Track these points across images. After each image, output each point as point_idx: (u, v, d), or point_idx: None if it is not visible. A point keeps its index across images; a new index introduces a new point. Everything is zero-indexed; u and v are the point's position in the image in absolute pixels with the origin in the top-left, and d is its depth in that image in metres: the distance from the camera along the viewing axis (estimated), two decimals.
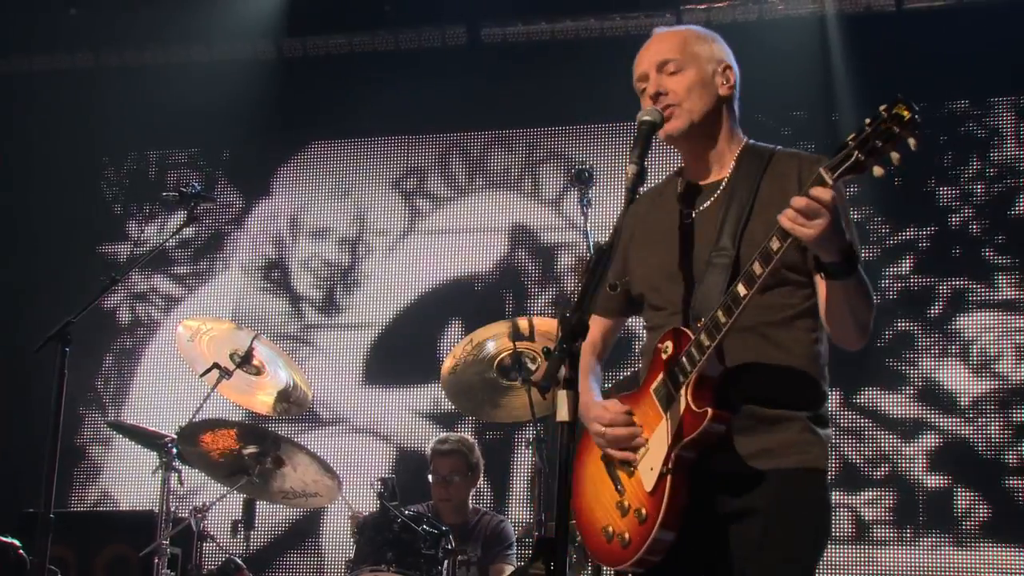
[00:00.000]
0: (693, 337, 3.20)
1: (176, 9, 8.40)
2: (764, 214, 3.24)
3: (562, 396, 2.87)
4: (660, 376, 3.27)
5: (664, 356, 3.27)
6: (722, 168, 3.42)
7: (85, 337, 8.63)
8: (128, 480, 8.48)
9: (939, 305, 7.64)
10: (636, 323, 3.65)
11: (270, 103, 8.60)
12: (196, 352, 5.92)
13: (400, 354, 8.37)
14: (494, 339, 5.87)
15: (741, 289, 3.10)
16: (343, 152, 8.84)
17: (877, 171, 2.87)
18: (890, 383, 7.61)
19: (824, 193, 2.93)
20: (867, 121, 2.88)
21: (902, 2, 7.98)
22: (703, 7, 8.18)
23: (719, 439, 3.18)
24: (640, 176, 3.19)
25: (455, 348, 5.96)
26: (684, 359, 3.20)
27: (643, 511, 3.25)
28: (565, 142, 8.40)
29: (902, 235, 7.76)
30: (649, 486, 3.24)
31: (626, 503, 3.31)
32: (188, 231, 8.48)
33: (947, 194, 7.71)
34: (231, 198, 8.92)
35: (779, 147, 3.43)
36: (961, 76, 7.64)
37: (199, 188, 5.71)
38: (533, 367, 5.80)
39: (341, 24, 8.68)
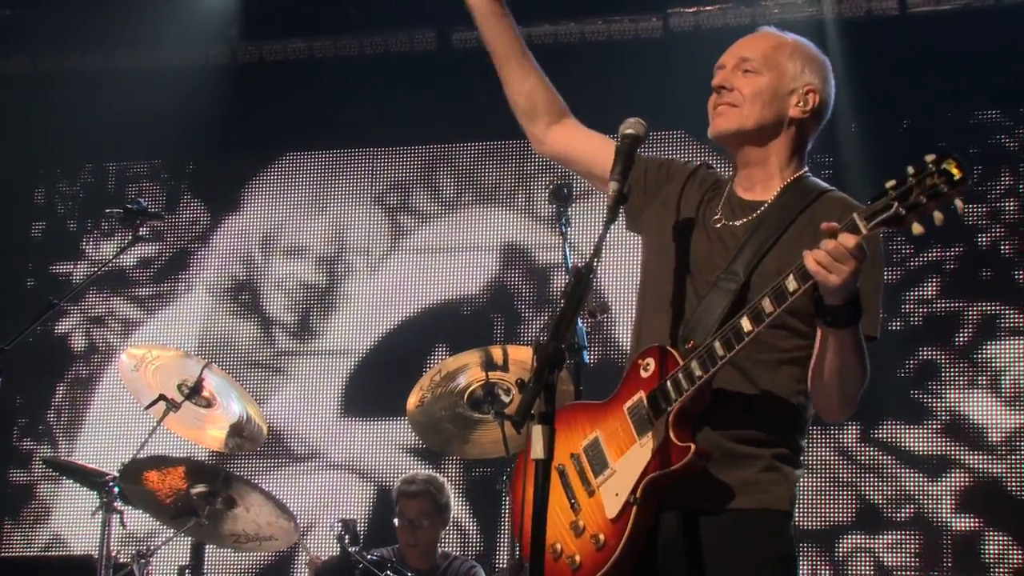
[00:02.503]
0: (682, 362, 3.19)
1: (120, 11, 8.36)
2: (785, 250, 3.25)
3: (537, 431, 2.87)
4: (638, 396, 3.27)
5: (644, 374, 3.27)
6: (767, 190, 3.41)
7: (34, 366, 8.70)
8: (79, 522, 8.34)
9: (967, 332, 7.55)
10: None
11: (232, 112, 8.56)
12: (141, 383, 5.87)
13: (381, 384, 8.27)
14: (465, 369, 5.81)
15: (746, 324, 3.11)
16: (318, 164, 8.81)
17: (917, 229, 2.85)
18: (914, 416, 7.52)
19: (851, 240, 2.92)
20: (910, 171, 2.85)
21: (906, 5, 7.94)
22: (692, 10, 8.16)
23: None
24: (622, 194, 3.19)
25: (422, 379, 5.89)
26: (670, 385, 3.20)
27: (601, 537, 3.26)
28: None
29: (926, 256, 7.66)
30: (612, 512, 3.25)
31: (581, 524, 3.31)
32: (150, 249, 8.49)
33: (975, 211, 7.59)
34: (196, 213, 8.88)
35: (833, 189, 3.41)
36: (987, 84, 7.60)
37: (144, 205, 5.70)
38: (507, 399, 5.74)
39: (300, 27, 8.66)
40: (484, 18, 3.75)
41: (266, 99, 8.70)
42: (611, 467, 3.29)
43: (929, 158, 2.84)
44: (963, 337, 7.55)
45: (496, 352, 5.73)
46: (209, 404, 5.95)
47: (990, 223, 7.60)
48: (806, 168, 3.47)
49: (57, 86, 8.84)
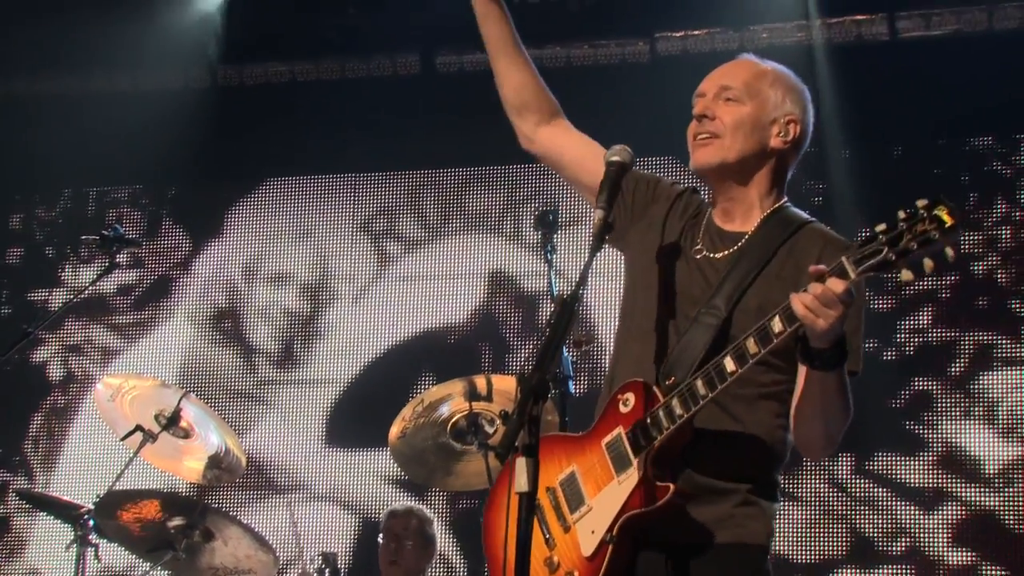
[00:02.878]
0: (662, 400, 3.19)
1: (97, 33, 8.29)
2: (766, 286, 3.29)
3: (521, 464, 2.86)
4: (617, 432, 3.26)
5: (623, 409, 3.26)
6: (747, 221, 3.42)
7: (10, 395, 8.65)
8: (55, 556, 8.26)
9: (962, 361, 7.52)
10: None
11: (214, 136, 8.55)
12: (118, 413, 5.85)
13: (365, 413, 8.22)
14: (448, 399, 5.81)
15: (729, 364, 3.11)
16: (302, 190, 8.79)
17: (906, 275, 2.86)
18: (908, 448, 7.48)
19: (840, 286, 2.92)
20: (901, 215, 2.85)
21: (897, 31, 7.95)
22: (679, 35, 8.16)
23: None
24: (608, 222, 3.20)
25: (404, 409, 5.89)
26: (649, 422, 3.19)
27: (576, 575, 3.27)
28: (545, 181, 8.27)
29: (920, 284, 7.55)
30: (588, 550, 3.24)
31: (556, 560, 3.31)
32: (130, 277, 8.45)
33: (970, 239, 7.57)
34: (177, 240, 8.85)
35: (814, 220, 3.43)
36: (980, 110, 7.58)
37: (122, 231, 5.69)
38: (491, 430, 5.75)
39: (281, 51, 8.67)
40: (480, 7, 3.78)
41: (248, 123, 8.67)
42: (588, 503, 3.28)
43: (920, 203, 2.83)
44: (958, 367, 7.51)
45: (480, 382, 5.72)
46: (187, 435, 5.93)
47: (985, 251, 7.58)
48: (786, 198, 3.48)
49: (34, 109, 8.81)
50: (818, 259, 3.18)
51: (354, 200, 8.67)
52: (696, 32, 8.12)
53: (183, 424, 5.89)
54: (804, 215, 3.45)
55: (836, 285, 2.92)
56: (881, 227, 2.88)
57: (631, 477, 3.20)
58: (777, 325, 3.04)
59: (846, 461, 7.45)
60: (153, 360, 8.61)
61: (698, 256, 3.40)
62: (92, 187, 8.99)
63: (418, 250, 8.50)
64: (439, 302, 8.36)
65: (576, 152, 3.66)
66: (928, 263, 2.83)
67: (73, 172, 8.81)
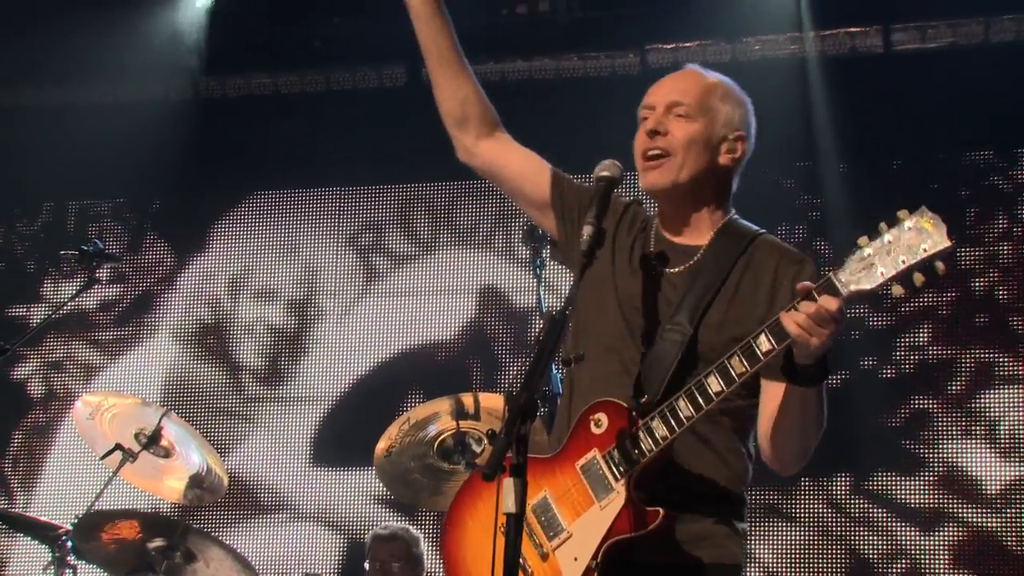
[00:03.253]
0: (641, 421, 3.18)
1: (76, 44, 8.29)
2: (728, 302, 3.32)
3: (508, 484, 2.85)
4: (592, 455, 3.24)
5: (596, 430, 3.25)
6: (698, 235, 3.45)
7: None
8: None
9: (962, 379, 7.51)
10: None
11: (197, 149, 8.54)
12: (97, 431, 5.85)
13: (353, 431, 8.18)
14: (435, 418, 5.78)
15: (714, 384, 3.12)
16: (288, 204, 8.78)
17: (897, 290, 2.93)
18: (907, 467, 7.46)
19: (834, 304, 2.96)
20: (883, 229, 2.92)
21: (891, 43, 7.99)
22: (670, 47, 8.16)
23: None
24: (598, 238, 3.20)
25: (390, 428, 5.84)
26: (629, 444, 3.19)
27: None
28: None
29: (919, 301, 7.61)
30: None
31: None
32: (112, 292, 8.42)
33: (970, 255, 7.61)
34: (161, 254, 8.83)
35: (764, 232, 3.48)
36: (978, 124, 7.59)
37: (101, 246, 5.68)
38: (478, 449, 5.70)
39: (264, 62, 8.68)
40: (419, 17, 3.72)
41: (231, 136, 8.68)
42: (566, 530, 3.25)
43: (901, 215, 2.90)
44: (957, 385, 7.51)
45: (467, 400, 5.69)
46: (168, 454, 5.92)
47: (985, 267, 7.58)
48: (733, 211, 3.53)
49: (13, 121, 8.80)
50: (775, 272, 3.32)
51: (341, 214, 8.66)
52: (687, 44, 8.14)
53: (164, 443, 5.89)
54: (754, 227, 3.49)
55: (830, 303, 2.95)
56: (864, 240, 2.93)
57: (615, 501, 3.19)
58: (764, 344, 3.06)
59: (844, 481, 7.44)
60: (136, 377, 8.61)
61: (652, 271, 3.42)
62: (73, 200, 8.99)
63: (406, 265, 8.49)
64: (428, 318, 8.34)
65: (520, 166, 3.67)
66: (919, 276, 2.88)
67: (54, 185, 8.83)
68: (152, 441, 5.81)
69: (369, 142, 8.31)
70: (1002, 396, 7.43)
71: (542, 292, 5.53)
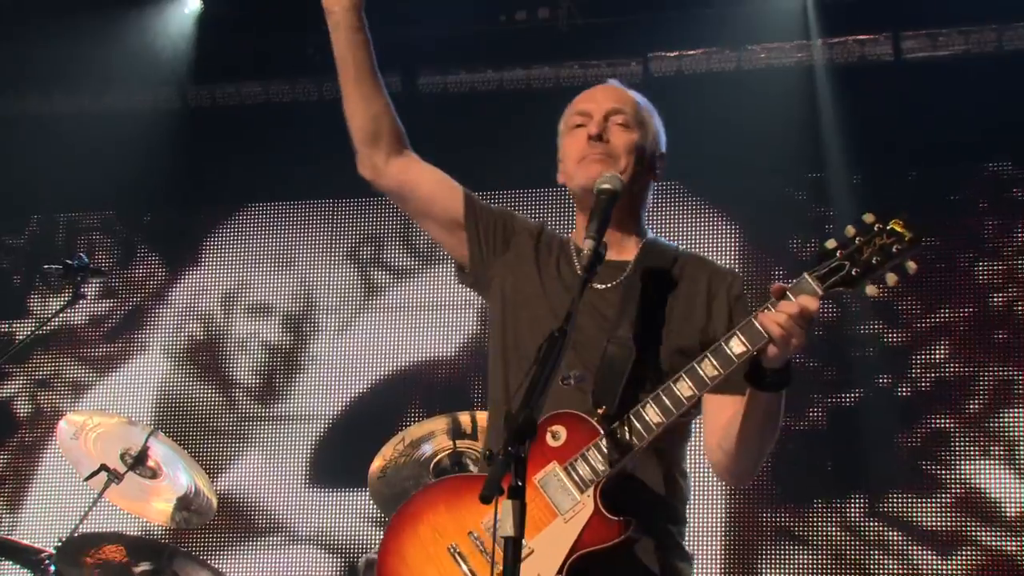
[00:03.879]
0: (602, 430, 3.23)
1: (62, 52, 8.31)
2: (667, 315, 3.45)
3: (507, 507, 2.83)
4: (551, 467, 3.28)
5: (554, 443, 3.28)
6: (623, 250, 3.57)
7: None
8: None
9: (980, 398, 7.48)
10: None
11: (189, 160, 8.58)
12: (81, 452, 5.85)
13: (351, 451, 8.11)
14: (431, 437, 5.79)
15: (685, 390, 3.22)
16: (284, 216, 8.78)
17: (871, 291, 3.08)
18: (923, 489, 7.43)
19: (814, 303, 3.09)
20: (851, 231, 3.10)
21: (901, 51, 7.98)
22: (674, 55, 8.18)
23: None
24: (598, 253, 3.22)
25: (384, 448, 5.84)
26: (594, 454, 3.24)
27: None
28: (540, 206, 8.28)
29: (936, 317, 7.62)
30: None
31: None
32: (102, 307, 8.41)
33: (988, 269, 7.61)
34: (152, 268, 8.83)
35: (686, 248, 3.64)
36: (993, 134, 7.59)
37: (86, 261, 5.68)
38: (475, 469, 5.60)
39: (255, 70, 8.68)
40: (339, 27, 3.73)
41: (223, 146, 8.69)
42: (527, 545, 3.21)
43: (869, 218, 3.09)
44: (976, 403, 7.48)
45: (464, 419, 5.71)
46: (155, 475, 5.92)
47: (1004, 282, 7.56)
48: (651, 229, 3.68)
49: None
50: (708, 284, 3.48)
51: (339, 227, 8.64)
52: (691, 52, 8.15)
53: (150, 463, 5.89)
54: (670, 243, 3.64)
55: (810, 302, 3.08)
56: (832, 243, 3.11)
57: (581, 513, 3.23)
58: (738, 346, 3.17)
59: (858, 503, 7.41)
60: (126, 395, 8.59)
61: (589, 288, 3.41)
62: (62, 213, 8.99)
63: (407, 279, 8.47)
64: (428, 334, 8.32)
65: (432, 186, 3.70)
66: (892, 277, 3.05)
67: (42, 197, 8.84)
68: (138, 462, 5.81)
69: None
70: (1022, 415, 7.41)
71: None
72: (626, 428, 3.23)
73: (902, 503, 7.43)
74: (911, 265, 3.04)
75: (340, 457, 8.27)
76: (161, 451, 5.92)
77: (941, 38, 7.92)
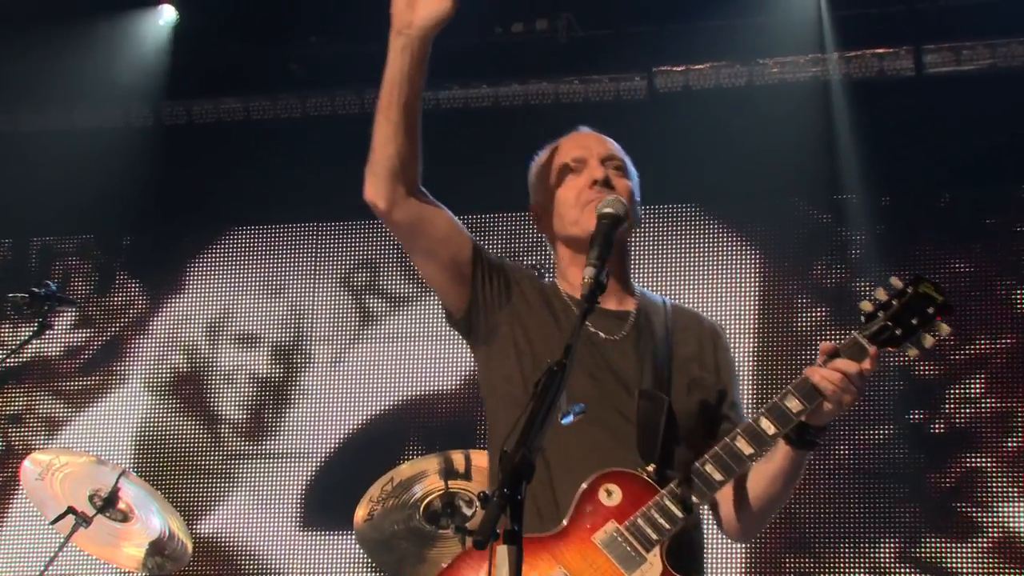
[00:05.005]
0: (665, 489, 3.40)
1: (28, 68, 8.38)
2: (683, 365, 3.67)
3: (503, 553, 2.82)
4: (611, 526, 3.40)
5: (609, 502, 3.41)
6: (621, 301, 3.74)
7: None
8: None
9: (1019, 435, 7.49)
10: None
11: (167, 180, 8.62)
12: (47, 493, 5.84)
13: (345, 492, 7.95)
14: (421, 478, 5.80)
15: (745, 447, 3.41)
16: (272, 240, 8.80)
17: (913, 352, 3.38)
18: (959, 531, 7.44)
19: (868, 362, 3.37)
20: (885, 295, 3.38)
21: (923, 65, 8.01)
22: (680, 69, 8.18)
23: None
24: (599, 282, 3.27)
25: (371, 489, 5.83)
26: (656, 513, 3.39)
27: None
28: (533, 231, 8.17)
29: (971, 348, 7.63)
30: None
31: None
32: (78, 337, 8.40)
33: None
34: (132, 295, 8.81)
35: (670, 299, 3.84)
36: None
37: (55, 288, 5.66)
38: (469, 512, 5.73)
39: (233, 85, 8.70)
40: (405, 51, 3.81)
41: (203, 165, 8.70)
42: None
43: (897, 283, 3.37)
44: (1015, 441, 7.48)
45: (457, 458, 5.72)
46: (126, 518, 5.90)
47: None
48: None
49: None
50: (699, 338, 3.72)
51: (332, 251, 8.65)
52: (699, 66, 8.16)
53: (121, 506, 5.87)
54: (657, 294, 3.86)
55: (866, 361, 3.35)
56: (869, 305, 3.39)
57: (649, 573, 3.38)
58: (795, 404, 3.39)
59: (890, 546, 7.41)
60: (103, 431, 8.57)
61: (595, 338, 3.63)
62: (36, 237, 9.01)
63: (405, 307, 8.46)
64: (428, 366, 8.32)
65: (446, 229, 3.74)
66: (929, 339, 3.34)
67: (14, 220, 8.83)
68: (108, 504, 5.80)
69: (355, 172, 8.27)
70: None
71: None
72: (686, 486, 3.41)
73: (937, 547, 7.42)
74: (944, 328, 3.34)
75: (333, 498, 8.17)
76: (132, 492, 5.88)
77: (965, 51, 7.94)
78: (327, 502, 8.29)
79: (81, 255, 8.93)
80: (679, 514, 3.38)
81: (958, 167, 7.68)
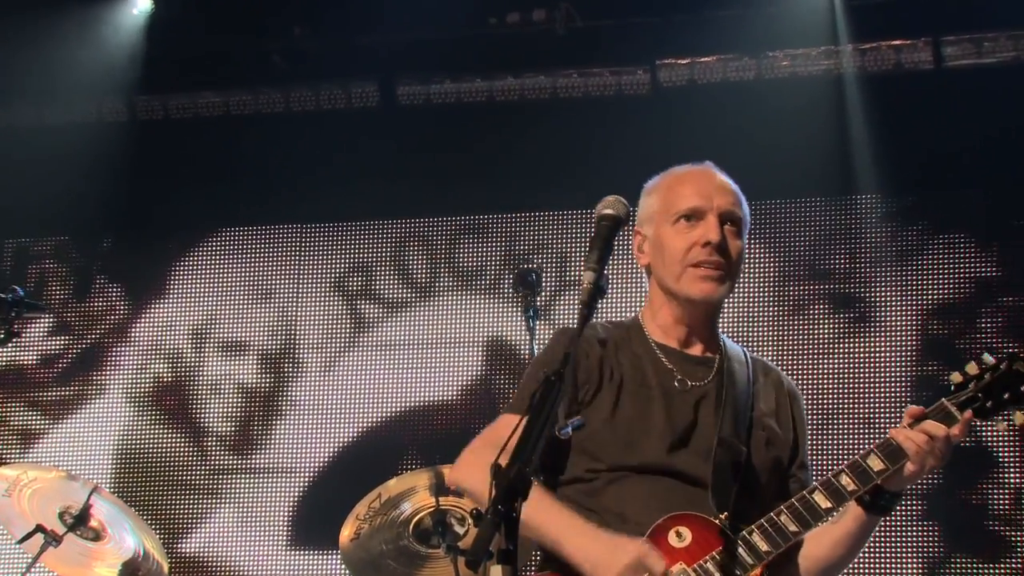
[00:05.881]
0: (732, 536, 3.53)
1: None
2: (761, 421, 3.80)
3: (496, 573, 2.83)
4: (679, 568, 3.50)
5: (677, 543, 3.53)
6: (707, 348, 3.86)
7: None
8: None
9: None
10: None
11: (148, 178, 8.59)
12: (14, 511, 5.78)
13: (337, 508, 7.92)
14: (410, 494, 5.79)
15: (823, 502, 3.55)
16: (261, 243, 8.79)
17: (1001, 425, 3.60)
18: (992, 552, 7.45)
19: (957, 428, 3.52)
20: (975, 369, 3.58)
21: (942, 57, 8.01)
22: (685, 62, 8.18)
23: None
24: (599, 287, 3.30)
25: (357, 507, 5.81)
26: (726, 558, 3.50)
27: None
28: (528, 232, 8.39)
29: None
30: None
31: None
32: (55, 345, 8.40)
33: None
34: (112, 300, 8.80)
35: (745, 348, 3.95)
36: None
37: (23, 294, 5.67)
38: (461, 530, 5.73)
39: (212, 79, 8.71)
40: None
41: (182, 164, 8.71)
42: None
43: (989, 360, 3.55)
44: None
45: (448, 473, 5.60)
46: (97, 536, 5.86)
47: None
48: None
49: None
50: (776, 395, 3.87)
51: (324, 254, 8.64)
52: (705, 59, 8.16)
53: (93, 523, 5.84)
54: (737, 344, 3.97)
55: (958, 428, 3.50)
56: (960, 377, 3.57)
57: None
58: (877, 464, 3.51)
59: (916, 569, 7.44)
60: (82, 444, 8.56)
61: (676, 383, 3.77)
62: (9, 239, 8.99)
63: (400, 313, 8.46)
64: (425, 375, 8.33)
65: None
66: (1020, 416, 3.52)
67: None
68: (79, 521, 5.77)
69: (344, 171, 8.39)
70: None
71: (535, 348, 5.50)
72: (761, 535, 3.53)
73: (968, 569, 7.43)
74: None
75: (324, 515, 8.00)
76: (105, 509, 5.86)
77: (987, 43, 7.93)
78: (319, 519, 8.23)
79: (57, 258, 8.94)
80: (750, 561, 3.50)
81: (979, 165, 7.66)
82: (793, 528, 3.52)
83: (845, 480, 3.53)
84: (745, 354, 3.90)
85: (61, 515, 5.80)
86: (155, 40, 8.46)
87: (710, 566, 3.48)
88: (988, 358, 3.52)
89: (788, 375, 4.00)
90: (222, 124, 8.74)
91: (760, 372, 3.88)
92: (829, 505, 3.53)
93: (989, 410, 3.51)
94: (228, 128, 8.72)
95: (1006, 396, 3.50)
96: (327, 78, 8.59)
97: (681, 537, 3.52)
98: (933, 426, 3.48)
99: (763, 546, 3.51)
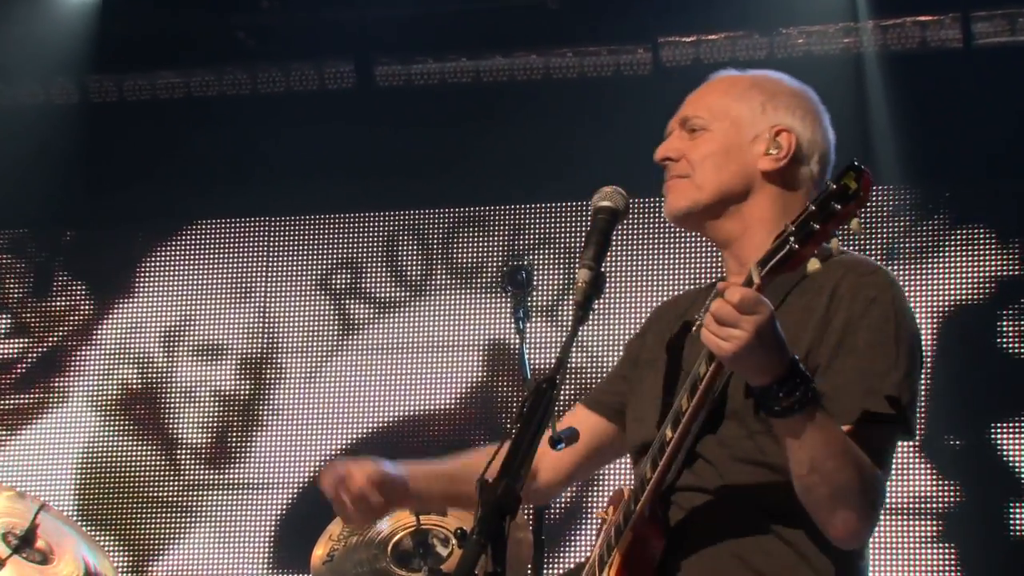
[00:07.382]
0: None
1: None
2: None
3: None
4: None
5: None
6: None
7: None
8: None
9: None
10: None
11: (96, 165, 8.70)
12: None
13: (323, 526, 8.07)
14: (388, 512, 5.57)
15: (667, 431, 3.19)
16: (239, 237, 8.83)
17: (812, 265, 2.97)
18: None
19: (736, 294, 2.96)
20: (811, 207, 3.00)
21: (972, 35, 8.03)
22: (690, 40, 8.22)
23: None
24: (595, 285, 3.21)
25: (330, 526, 5.85)
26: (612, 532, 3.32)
27: None
28: (517, 224, 8.52)
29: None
30: None
31: None
32: (10, 347, 8.45)
33: None
34: (75, 299, 8.82)
35: (847, 251, 3.37)
36: None
37: None
38: (444, 552, 5.76)
39: (171, 57, 8.80)
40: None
41: (139, 150, 8.76)
42: None
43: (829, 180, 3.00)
44: None
45: None
46: (45, 559, 5.87)
47: None
48: None
49: None
50: (833, 289, 3.31)
51: (307, 249, 8.70)
52: (711, 36, 8.22)
53: (40, 544, 5.86)
54: (834, 247, 3.24)
55: (732, 294, 2.96)
56: (792, 219, 3.01)
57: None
58: (702, 367, 3.11)
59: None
60: (42, 457, 8.60)
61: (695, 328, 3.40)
62: None
63: (392, 313, 8.55)
64: (419, 381, 8.42)
65: (591, 449, 3.64)
66: (835, 243, 2.96)
67: None
68: (24, 543, 5.80)
69: (323, 160, 8.45)
70: None
71: (525, 352, 5.51)
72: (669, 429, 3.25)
73: None
74: (854, 223, 2.94)
75: (308, 534, 7.92)
76: (54, 529, 5.87)
77: (1021, 19, 7.96)
78: (300, 538, 7.97)
79: (13, 252, 8.97)
80: (622, 526, 3.31)
81: (1011, 151, 7.67)
82: (669, 434, 3.19)
83: (682, 399, 3.18)
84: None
85: (4, 536, 5.80)
86: (109, 16, 8.43)
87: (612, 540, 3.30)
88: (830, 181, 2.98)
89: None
90: (183, 107, 8.77)
91: (821, 274, 3.16)
92: (670, 435, 3.18)
93: (796, 252, 2.95)
94: (190, 111, 8.74)
95: (816, 227, 2.91)
96: (298, 57, 8.63)
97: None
98: (714, 304, 2.99)
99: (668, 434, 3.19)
